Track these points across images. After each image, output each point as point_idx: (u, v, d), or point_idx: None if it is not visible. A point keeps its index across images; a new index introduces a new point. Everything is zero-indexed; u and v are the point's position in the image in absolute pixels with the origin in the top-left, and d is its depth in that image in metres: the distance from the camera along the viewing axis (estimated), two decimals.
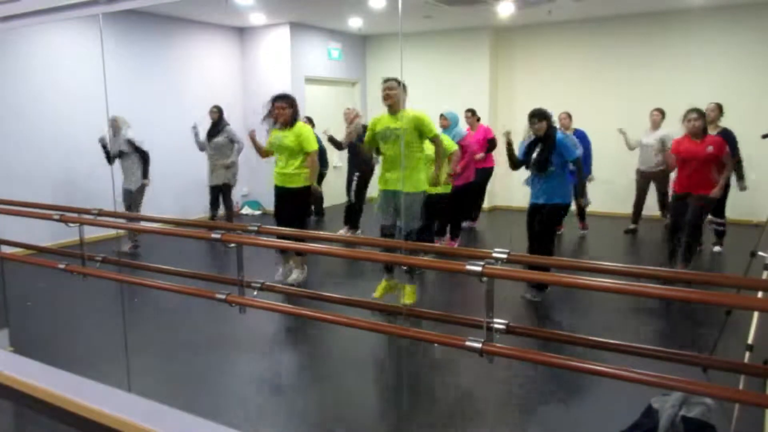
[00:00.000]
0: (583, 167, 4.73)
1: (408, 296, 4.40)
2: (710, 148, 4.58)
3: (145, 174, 6.07)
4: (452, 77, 8.72)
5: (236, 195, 8.39)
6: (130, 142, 5.97)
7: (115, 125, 5.97)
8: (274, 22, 8.16)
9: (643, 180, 6.42)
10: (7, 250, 3.57)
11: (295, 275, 4.94)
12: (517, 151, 5.09)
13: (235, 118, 8.40)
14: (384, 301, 4.30)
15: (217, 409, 2.98)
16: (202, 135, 6.68)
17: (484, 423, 2.94)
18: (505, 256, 1.74)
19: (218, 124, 6.63)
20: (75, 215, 2.94)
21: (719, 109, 5.58)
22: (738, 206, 6.35)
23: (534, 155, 4.42)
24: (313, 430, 2.92)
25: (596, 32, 7.93)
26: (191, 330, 4.19)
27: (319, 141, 5.63)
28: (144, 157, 6.07)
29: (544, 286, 4.45)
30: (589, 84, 7.98)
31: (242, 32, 8.50)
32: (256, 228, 2.37)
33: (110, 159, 6.13)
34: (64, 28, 6.22)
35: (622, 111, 7.44)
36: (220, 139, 6.54)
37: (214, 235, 2.31)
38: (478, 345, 1.74)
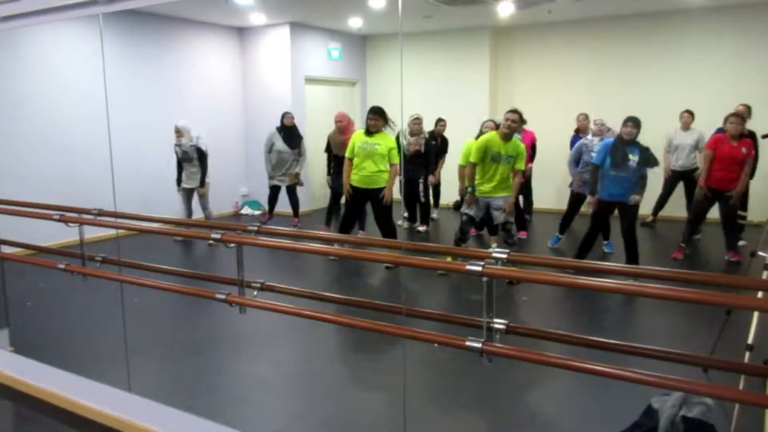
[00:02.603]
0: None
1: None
2: (744, 150, 5.16)
3: (205, 174, 6.67)
4: (452, 77, 8.73)
5: (236, 195, 8.40)
6: (198, 149, 6.56)
7: (178, 134, 6.54)
8: (274, 22, 8.16)
9: (675, 179, 6.67)
10: (7, 250, 3.57)
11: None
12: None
13: (235, 118, 8.42)
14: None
15: (218, 409, 2.98)
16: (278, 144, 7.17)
17: (484, 423, 2.94)
18: (505, 256, 1.74)
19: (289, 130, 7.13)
20: (75, 215, 2.94)
21: (749, 110, 5.92)
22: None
23: (625, 158, 4.92)
24: (313, 430, 2.92)
25: (596, 32, 7.93)
26: (191, 330, 4.20)
27: None
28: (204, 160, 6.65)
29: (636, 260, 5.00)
30: (588, 84, 7.98)
31: (242, 32, 8.50)
32: (256, 228, 2.37)
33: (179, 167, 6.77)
34: (65, 28, 6.23)
35: (621, 111, 7.42)
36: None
37: (214, 235, 2.31)
38: (478, 345, 1.74)
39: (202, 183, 6.66)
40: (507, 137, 4.83)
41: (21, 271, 4.89)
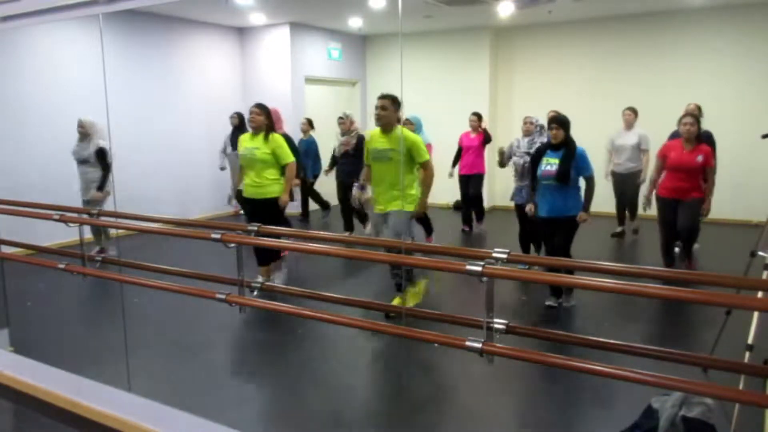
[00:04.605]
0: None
1: (410, 298, 4.10)
2: (700, 158, 4.55)
3: (102, 186, 5.56)
4: (452, 77, 8.73)
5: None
6: (101, 152, 5.53)
7: (82, 130, 5.57)
8: (274, 22, 8.16)
9: (621, 182, 6.30)
10: (7, 250, 3.57)
11: (279, 280, 4.78)
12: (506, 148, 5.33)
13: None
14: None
15: (218, 409, 2.98)
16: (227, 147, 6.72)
17: (484, 423, 2.94)
18: (505, 256, 1.74)
19: (240, 130, 6.59)
20: (75, 215, 2.94)
21: (699, 110, 5.46)
22: (737, 206, 6.36)
23: (547, 166, 4.17)
24: (313, 430, 2.92)
25: (596, 32, 7.93)
26: (191, 330, 4.20)
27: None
28: (105, 168, 5.56)
29: (569, 290, 4.31)
30: (588, 84, 7.98)
31: (242, 32, 8.50)
32: (256, 228, 2.37)
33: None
34: (65, 28, 6.23)
35: (621, 111, 7.45)
36: None
37: (214, 235, 2.31)
38: (478, 345, 1.74)
39: (101, 186, 5.54)
40: (385, 129, 4.01)
41: (21, 271, 4.89)
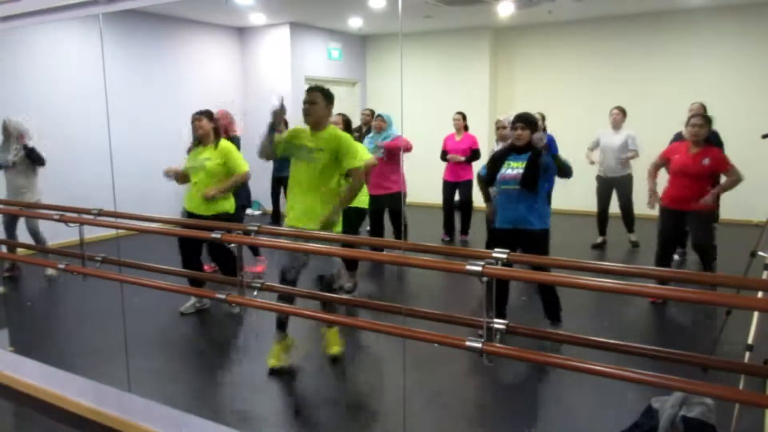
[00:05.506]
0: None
1: (332, 344, 3.44)
2: (706, 162, 4.04)
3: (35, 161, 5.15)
4: (452, 77, 8.73)
5: None
6: (30, 151, 5.12)
7: (6, 132, 5.14)
8: (274, 22, 8.16)
9: (606, 187, 5.88)
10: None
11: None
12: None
13: (235, 118, 8.41)
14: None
15: (218, 409, 2.98)
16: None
17: (483, 424, 2.94)
18: (505, 256, 1.74)
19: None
20: (75, 215, 2.94)
21: (704, 109, 5.20)
22: (737, 206, 6.35)
23: (510, 170, 3.59)
24: (312, 429, 2.92)
25: (596, 32, 7.93)
26: (191, 330, 4.20)
27: None
28: (39, 163, 5.21)
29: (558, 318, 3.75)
30: (589, 84, 7.98)
31: (242, 32, 8.50)
32: (256, 228, 2.37)
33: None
34: (65, 28, 6.23)
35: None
36: None
37: (214, 235, 2.31)
38: (479, 345, 1.74)
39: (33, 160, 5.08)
40: (315, 128, 3.37)
41: (21, 271, 4.89)
